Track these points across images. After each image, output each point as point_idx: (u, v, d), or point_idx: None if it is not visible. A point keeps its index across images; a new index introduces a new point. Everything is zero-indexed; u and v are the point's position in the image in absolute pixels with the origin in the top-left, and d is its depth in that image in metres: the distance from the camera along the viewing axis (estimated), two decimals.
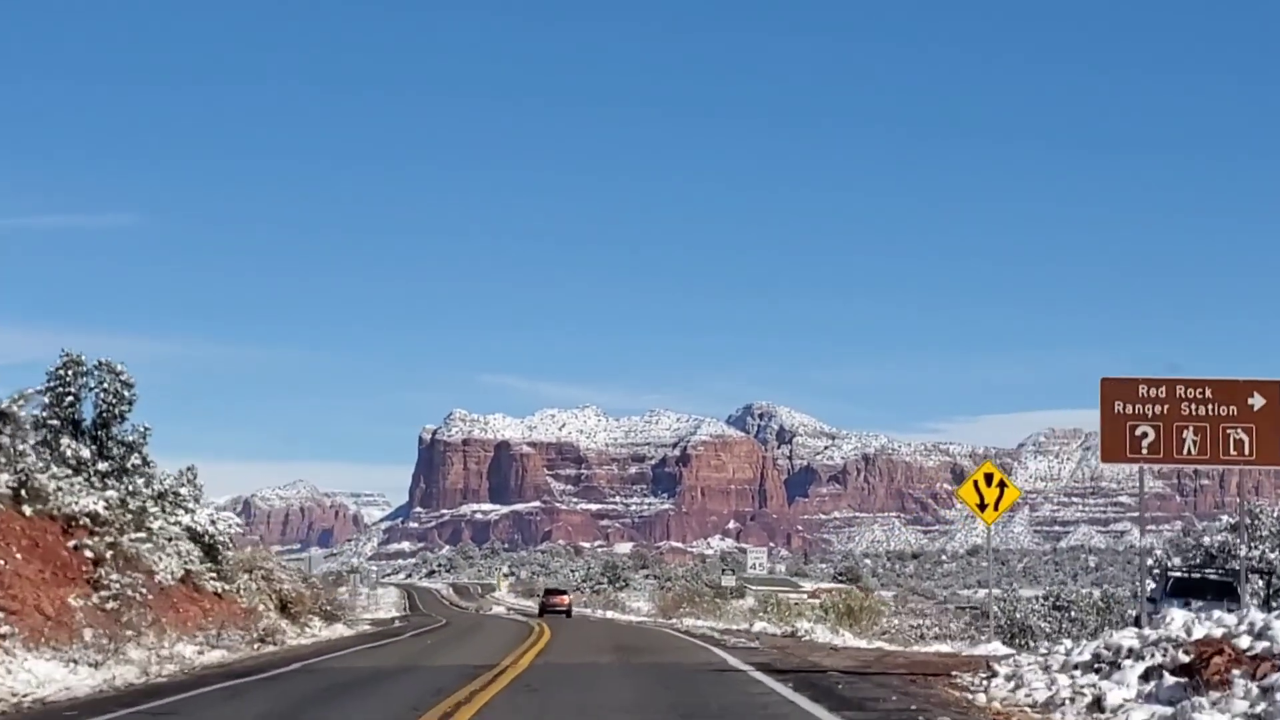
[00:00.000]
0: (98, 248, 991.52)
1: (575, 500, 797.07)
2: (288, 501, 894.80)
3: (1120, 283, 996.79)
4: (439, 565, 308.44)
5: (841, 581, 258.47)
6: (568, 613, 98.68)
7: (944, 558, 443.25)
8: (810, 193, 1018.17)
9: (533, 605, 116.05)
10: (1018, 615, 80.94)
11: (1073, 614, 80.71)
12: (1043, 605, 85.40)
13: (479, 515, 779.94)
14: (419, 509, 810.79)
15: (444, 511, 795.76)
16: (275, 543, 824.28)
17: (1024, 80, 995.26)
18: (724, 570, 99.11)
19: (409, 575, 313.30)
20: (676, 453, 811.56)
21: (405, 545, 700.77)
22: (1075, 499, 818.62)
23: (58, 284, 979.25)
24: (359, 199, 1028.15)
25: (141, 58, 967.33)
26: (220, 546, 53.75)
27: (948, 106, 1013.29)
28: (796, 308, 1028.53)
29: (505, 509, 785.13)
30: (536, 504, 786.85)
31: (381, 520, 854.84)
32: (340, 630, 57.05)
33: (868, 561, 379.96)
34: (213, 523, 54.76)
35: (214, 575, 48.39)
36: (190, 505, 53.96)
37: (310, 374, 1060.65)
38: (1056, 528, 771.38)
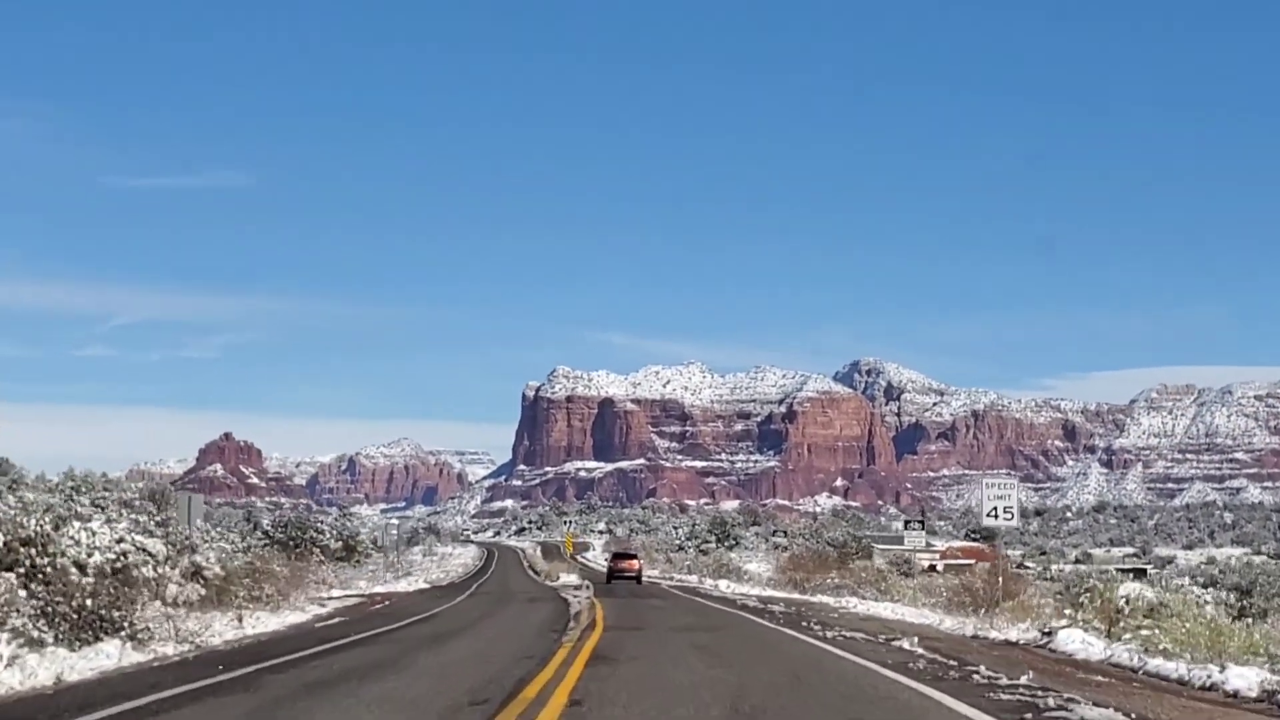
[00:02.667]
0: (209, 207, 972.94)
1: (680, 458, 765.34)
2: (392, 460, 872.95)
3: (1232, 238, 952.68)
4: (529, 523, 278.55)
5: (974, 539, 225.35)
6: (638, 579, 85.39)
7: (1069, 514, 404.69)
8: (919, 152, 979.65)
9: None
10: None
11: None
12: None
13: (583, 473, 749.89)
14: (522, 466, 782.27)
15: (548, 469, 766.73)
16: (380, 500, 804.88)
17: (1149, 46, 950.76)
18: (908, 523, 60.58)
19: (497, 533, 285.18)
20: (783, 409, 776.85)
21: (509, 503, 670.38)
22: (1189, 455, 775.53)
23: (171, 243, 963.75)
24: (462, 158, 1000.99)
25: (247, 16, 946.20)
26: None
27: (1052, 73, 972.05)
28: (905, 264, 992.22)
29: (609, 466, 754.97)
30: (641, 461, 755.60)
31: (485, 478, 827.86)
32: (60, 669, 22.78)
33: (989, 520, 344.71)
34: None
35: None
36: None
37: (415, 332, 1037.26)
38: (1170, 484, 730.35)
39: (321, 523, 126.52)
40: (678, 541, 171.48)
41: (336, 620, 39.23)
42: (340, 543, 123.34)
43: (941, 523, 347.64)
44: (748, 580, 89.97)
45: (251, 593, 48.45)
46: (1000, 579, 54.64)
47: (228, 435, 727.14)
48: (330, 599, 58.88)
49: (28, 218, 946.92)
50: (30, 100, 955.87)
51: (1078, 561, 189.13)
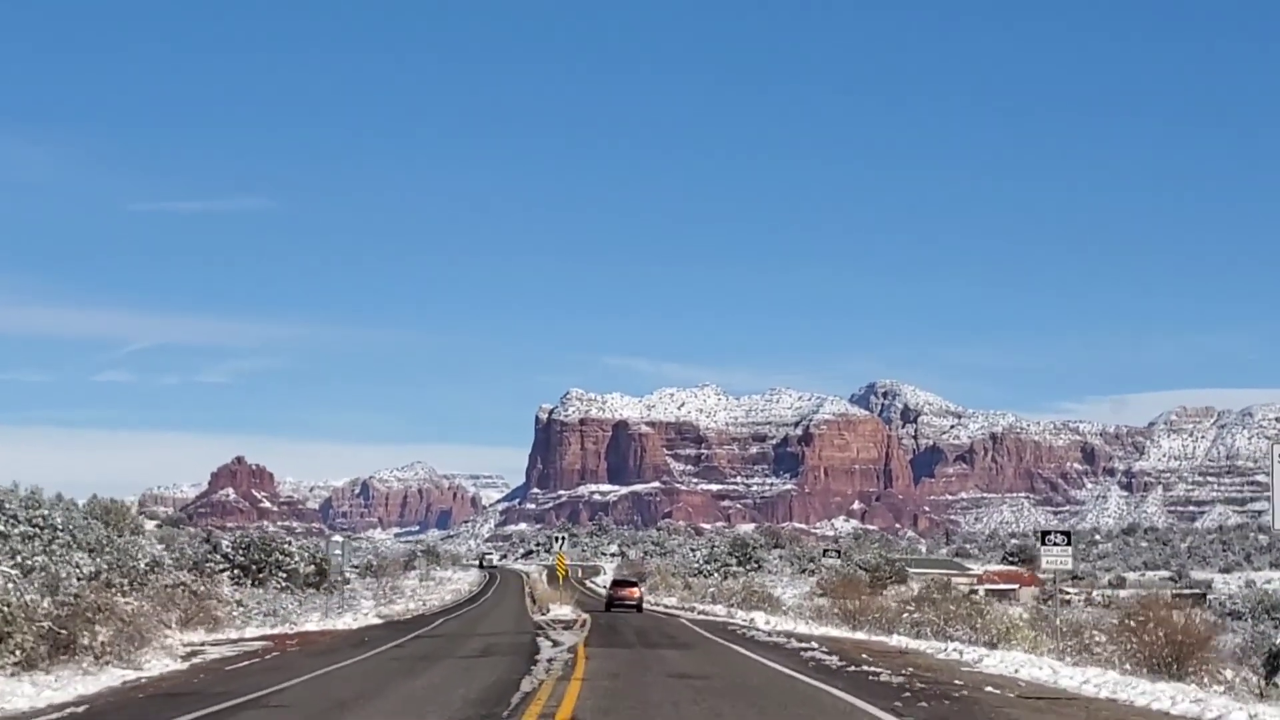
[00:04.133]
0: (224, 232, 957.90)
1: (695, 481, 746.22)
2: (406, 483, 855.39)
3: (1252, 259, 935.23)
4: (536, 545, 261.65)
5: (1011, 562, 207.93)
6: (638, 607, 79.46)
7: (1098, 537, 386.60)
8: (934, 174, 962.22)
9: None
10: None
11: None
12: None
13: (597, 496, 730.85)
14: (536, 490, 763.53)
15: (561, 492, 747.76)
16: (394, 524, 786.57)
17: (1170, 65, 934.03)
18: (1045, 536, 40.01)
19: (504, 556, 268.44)
20: (799, 432, 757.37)
21: (523, 526, 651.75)
22: (1210, 478, 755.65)
23: (188, 268, 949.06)
24: (476, 182, 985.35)
25: (269, 40, 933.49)
26: None
27: (1070, 92, 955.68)
28: (921, 286, 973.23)
29: (624, 489, 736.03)
30: (656, 485, 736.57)
31: (499, 501, 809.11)
32: None
33: (1014, 541, 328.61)
34: None
35: None
36: None
37: (428, 356, 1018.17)
38: (1191, 507, 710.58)
39: (289, 544, 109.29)
40: (696, 565, 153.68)
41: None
42: (313, 566, 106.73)
43: (968, 545, 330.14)
44: (784, 611, 72.33)
45: (77, 640, 31.20)
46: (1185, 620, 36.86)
47: (240, 459, 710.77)
48: (223, 643, 41.65)
49: (47, 243, 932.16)
50: (48, 126, 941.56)
51: (1112, 586, 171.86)
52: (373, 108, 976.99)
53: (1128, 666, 34.17)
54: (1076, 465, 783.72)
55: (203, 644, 42.03)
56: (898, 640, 44.84)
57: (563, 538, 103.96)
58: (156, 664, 32.14)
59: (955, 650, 36.26)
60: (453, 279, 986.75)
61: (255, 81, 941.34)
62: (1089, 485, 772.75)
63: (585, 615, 61.84)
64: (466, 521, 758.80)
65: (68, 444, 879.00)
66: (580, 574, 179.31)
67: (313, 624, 55.40)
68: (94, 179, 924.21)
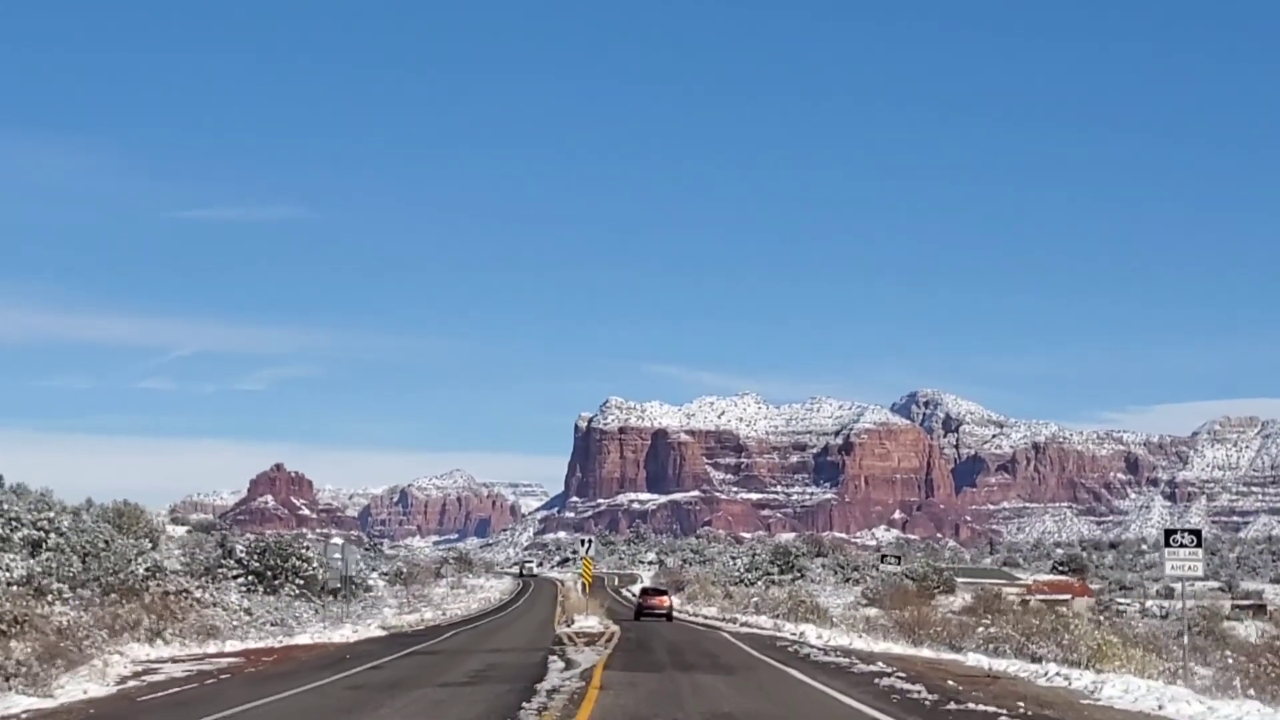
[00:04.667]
0: (266, 239, 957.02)
1: (735, 490, 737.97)
2: (445, 491, 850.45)
3: None
4: (571, 554, 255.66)
5: (1061, 572, 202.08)
6: (668, 616, 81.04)
7: (1144, 547, 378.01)
8: (976, 187, 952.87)
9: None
10: None
11: None
12: None
13: (636, 504, 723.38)
14: (575, 498, 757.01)
15: (600, 501, 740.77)
16: (433, 532, 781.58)
17: (1209, 73, 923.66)
18: (1171, 535, 34.44)
19: (540, 564, 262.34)
20: (839, 441, 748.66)
21: (562, 535, 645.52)
22: (1254, 488, 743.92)
23: (228, 275, 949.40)
24: (517, 189, 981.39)
25: (307, 50, 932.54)
26: None
27: (1105, 102, 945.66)
28: (962, 295, 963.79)
29: (663, 498, 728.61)
30: (695, 493, 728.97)
31: (538, 510, 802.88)
32: None
33: (1060, 551, 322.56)
34: None
35: None
36: None
37: (468, 364, 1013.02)
38: (1235, 518, 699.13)
39: (306, 549, 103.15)
40: (737, 573, 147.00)
41: None
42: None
43: (1014, 555, 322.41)
44: (833, 623, 65.69)
45: None
46: None
47: (279, 466, 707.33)
48: (193, 658, 35.53)
49: (91, 251, 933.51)
50: (89, 134, 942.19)
51: (1160, 596, 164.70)
52: (410, 117, 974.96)
53: (1252, 692, 28.21)
54: (1120, 475, 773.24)
55: (171, 659, 36.14)
56: (975, 659, 38.33)
57: (589, 541, 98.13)
58: (74, 689, 25.98)
59: (1059, 676, 29.67)
60: (492, 287, 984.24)
61: (294, 91, 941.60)
62: (1132, 495, 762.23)
63: (614, 627, 55.49)
64: (505, 530, 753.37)
65: (113, 451, 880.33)
66: (617, 582, 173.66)
67: (308, 636, 49.14)
68: (134, 187, 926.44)
